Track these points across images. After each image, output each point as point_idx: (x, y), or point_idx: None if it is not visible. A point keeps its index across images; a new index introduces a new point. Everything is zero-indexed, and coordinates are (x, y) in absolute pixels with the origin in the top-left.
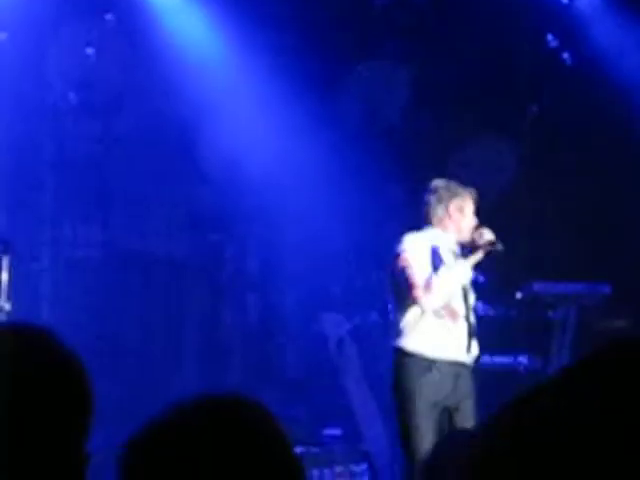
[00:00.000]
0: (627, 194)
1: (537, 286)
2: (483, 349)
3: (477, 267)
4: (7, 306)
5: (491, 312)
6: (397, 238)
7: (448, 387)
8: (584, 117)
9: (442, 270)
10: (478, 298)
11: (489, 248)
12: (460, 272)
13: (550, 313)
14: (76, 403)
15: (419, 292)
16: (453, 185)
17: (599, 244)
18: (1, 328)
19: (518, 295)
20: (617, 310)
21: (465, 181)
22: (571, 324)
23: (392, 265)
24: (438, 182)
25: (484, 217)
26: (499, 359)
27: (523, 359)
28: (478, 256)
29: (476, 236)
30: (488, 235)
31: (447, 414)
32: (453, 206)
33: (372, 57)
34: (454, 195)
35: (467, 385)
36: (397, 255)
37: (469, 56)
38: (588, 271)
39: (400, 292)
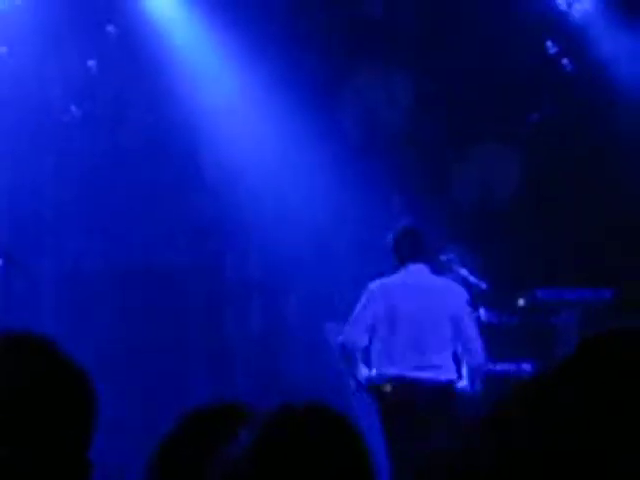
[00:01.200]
0: (629, 199)
1: (540, 292)
2: (487, 356)
3: (480, 275)
4: None
5: (494, 319)
6: None
7: None
8: (585, 123)
9: None
10: (481, 305)
11: None
12: None
13: (553, 319)
14: (78, 409)
15: None
16: None
17: (601, 250)
18: (2, 336)
19: (521, 302)
20: (620, 315)
21: (467, 189)
22: (574, 330)
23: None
24: None
25: (487, 225)
26: (502, 366)
27: (527, 366)
28: None
29: None
30: None
31: None
32: None
33: (371, 67)
34: None
35: None
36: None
37: (469, 64)
38: (590, 277)
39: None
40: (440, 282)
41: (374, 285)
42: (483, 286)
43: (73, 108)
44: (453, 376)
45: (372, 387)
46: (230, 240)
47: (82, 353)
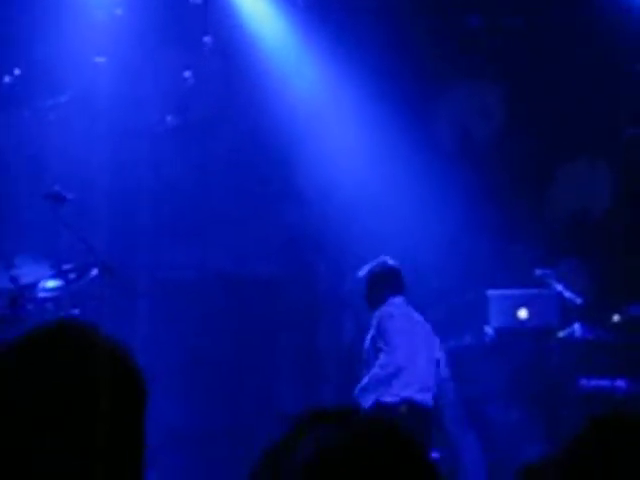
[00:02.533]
0: None
1: (634, 309)
2: (581, 372)
3: (575, 290)
4: None
5: (589, 334)
6: (491, 261)
7: None
8: None
9: None
10: (576, 320)
11: None
12: None
13: None
14: (129, 394)
15: None
16: None
17: None
18: (48, 326)
19: (616, 317)
20: None
21: (561, 204)
22: None
23: None
24: None
25: (582, 241)
26: (596, 382)
27: (621, 383)
28: None
29: None
30: None
31: None
32: None
33: (465, 79)
34: None
35: None
36: None
37: (562, 78)
38: None
39: None
40: (420, 316)
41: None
42: (578, 301)
43: (169, 118)
44: None
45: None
46: (323, 251)
47: (175, 360)
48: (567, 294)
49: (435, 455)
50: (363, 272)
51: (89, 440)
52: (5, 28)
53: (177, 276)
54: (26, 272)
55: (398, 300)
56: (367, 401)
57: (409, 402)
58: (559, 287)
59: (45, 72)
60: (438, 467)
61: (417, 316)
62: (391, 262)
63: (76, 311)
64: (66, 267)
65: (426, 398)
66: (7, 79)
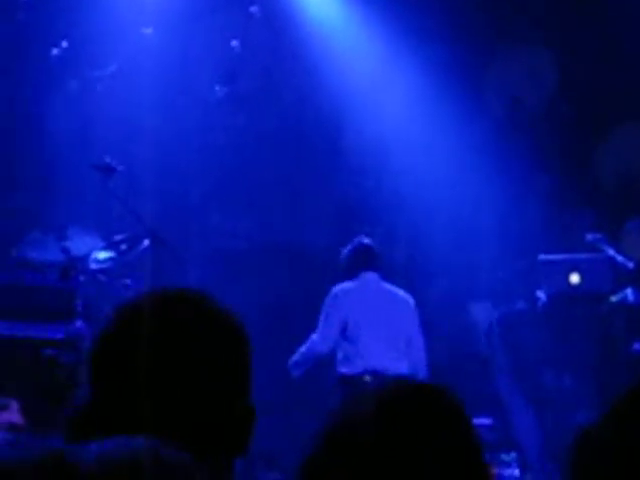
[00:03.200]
0: None
1: None
2: (635, 336)
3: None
4: None
5: None
6: (541, 227)
7: None
8: None
9: None
10: (628, 285)
11: None
12: None
13: None
14: (240, 357)
15: None
16: None
17: None
18: (162, 294)
19: None
20: None
21: (610, 170)
22: None
23: None
24: None
25: (632, 203)
26: None
27: None
28: None
29: None
30: None
31: None
32: None
33: (515, 45)
34: None
35: None
36: None
37: (613, 44)
38: None
39: None
40: (393, 289)
41: (337, 290)
42: (630, 265)
43: (217, 88)
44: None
45: (350, 380)
46: (374, 221)
47: None
48: (619, 258)
49: (487, 421)
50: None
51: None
52: (52, 1)
53: (228, 246)
54: (77, 244)
55: (370, 276)
56: (297, 373)
57: (372, 372)
58: (611, 251)
59: (92, 44)
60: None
61: (388, 293)
62: (366, 241)
63: (128, 282)
64: (117, 238)
65: (388, 367)
66: (55, 51)
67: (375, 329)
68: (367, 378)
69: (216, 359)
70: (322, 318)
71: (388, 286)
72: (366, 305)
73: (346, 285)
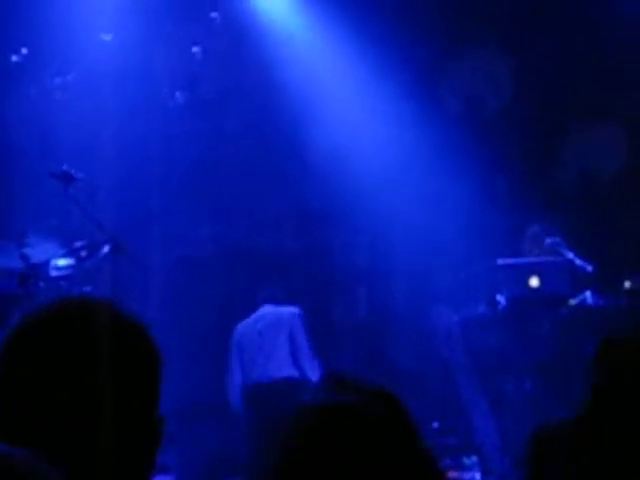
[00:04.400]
0: None
1: None
2: (594, 340)
3: (585, 257)
4: None
5: (600, 302)
6: (503, 228)
7: None
8: None
9: None
10: (587, 288)
11: None
12: None
13: None
14: (146, 368)
15: None
16: None
17: None
18: (66, 302)
19: (627, 284)
20: None
21: (570, 170)
22: None
23: None
24: None
25: (594, 205)
26: None
27: None
28: None
29: None
30: None
31: None
32: None
33: (472, 46)
34: None
35: None
36: None
37: (571, 42)
38: None
39: None
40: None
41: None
42: (589, 269)
43: (178, 94)
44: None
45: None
46: (337, 225)
47: (189, 337)
48: (578, 262)
49: (448, 425)
50: None
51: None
52: (12, 7)
53: (190, 252)
54: (37, 251)
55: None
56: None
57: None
58: (570, 255)
59: (52, 51)
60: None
61: (268, 313)
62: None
63: (88, 289)
64: (77, 245)
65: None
66: (15, 58)
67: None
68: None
69: (120, 375)
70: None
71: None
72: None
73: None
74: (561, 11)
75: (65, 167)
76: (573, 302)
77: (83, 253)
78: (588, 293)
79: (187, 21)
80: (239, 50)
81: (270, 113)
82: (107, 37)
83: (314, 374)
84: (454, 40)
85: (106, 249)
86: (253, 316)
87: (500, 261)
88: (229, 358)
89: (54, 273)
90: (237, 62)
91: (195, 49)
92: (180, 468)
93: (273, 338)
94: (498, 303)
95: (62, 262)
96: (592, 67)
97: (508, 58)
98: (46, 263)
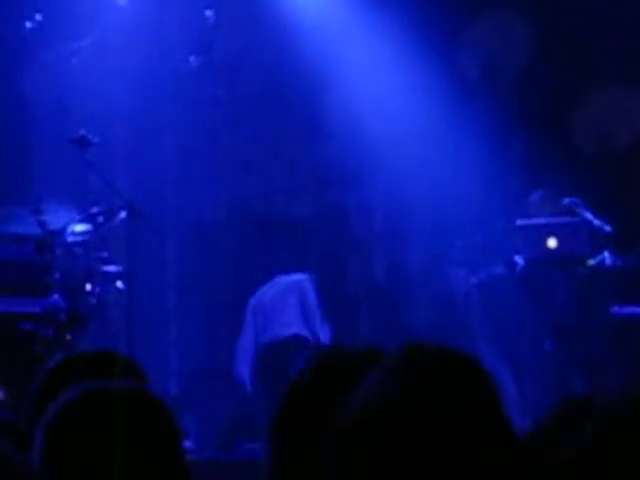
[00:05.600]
0: None
1: None
2: (612, 299)
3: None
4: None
5: (618, 262)
6: (520, 189)
7: None
8: None
9: None
10: (605, 248)
11: None
12: None
13: None
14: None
15: None
16: None
17: None
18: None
19: None
20: None
21: (591, 131)
22: None
23: None
24: None
25: (612, 168)
26: (628, 309)
27: None
28: None
29: None
30: None
31: None
32: None
33: (491, 11)
34: None
35: None
36: None
37: (590, 6)
38: None
39: None
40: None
41: None
42: (607, 229)
43: (192, 58)
44: None
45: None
46: (352, 190)
47: (205, 302)
48: (596, 222)
49: None
50: None
51: None
52: None
53: (206, 217)
54: (54, 217)
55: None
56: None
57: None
58: (588, 215)
59: (66, 16)
60: None
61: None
62: None
63: (105, 254)
64: (94, 211)
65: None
66: (28, 24)
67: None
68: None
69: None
70: None
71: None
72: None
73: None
74: None
75: (82, 132)
76: (591, 262)
77: (100, 219)
78: (606, 253)
79: None
80: (252, 12)
81: (284, 76)
82: (122, 1)
83: (325, 337)
84: (472, 4)
85: (123, 214)
86: (266, 286)
87: (518, 222)
88: (242, 328)
89: (71, 239)
90: (251, 26)
91: (208, 12)
92: (198, 433)
93: (283, 301)
94: (516, 264)
95: (79, 228)
96: (610, 30)
97: (526, 22)
98: (63, 229)
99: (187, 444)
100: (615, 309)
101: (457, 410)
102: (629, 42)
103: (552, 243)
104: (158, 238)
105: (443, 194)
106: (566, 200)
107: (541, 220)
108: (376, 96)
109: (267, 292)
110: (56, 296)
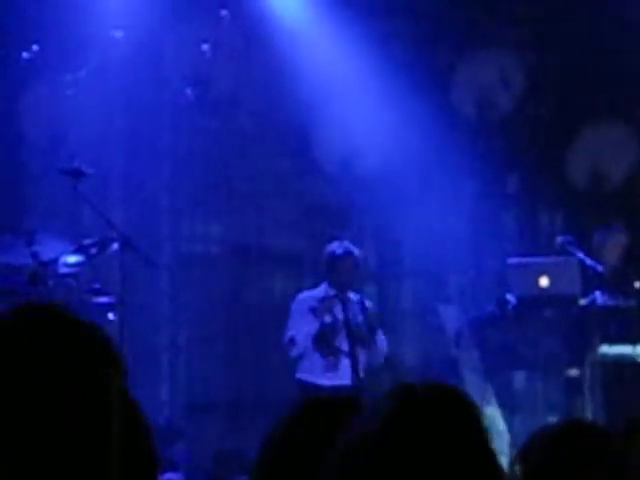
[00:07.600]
0: None
1: None
2: (603, 339)
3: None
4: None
5: (610, 302)
6: (513, 228)
7: None
8: None
9: None
10: (597, 288)
11: None
12: None
13: None
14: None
15: None
16: None
17: None
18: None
19: (637, 284)
20: None
21: (581, 169)
22: None
23: None
24: None
25: (605, 205)
26: (619, 349)
27: None
28: None
29: None
30: None
31: None
32: None
33: (485, 47)
34: None
35: None
36: None
37: (583, 43)
38: None
39: None
40: None
41: None
42: (599, 269)
43: (188, 91)
44: None
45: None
46: (345, 224)
47: (197, 334)
48: (588, 261)
49: None
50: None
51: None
52: (22, 4)
53: (198, 249)
54: (47, 248)
55: None
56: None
57: None
58: (580, 254)
59: (63, 47)
60: None
61: None
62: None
63: (97, 286)
64: (87, 242)
65: None
66: (25, 55)
67: None
68: None
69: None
70: None
71: None
72: None
73: None
74: (576, 11)
75: (76, 163)
76: (583, 302)
77: (93, 250)
78: (598, 293)
79: (196, 18)
80: (249, 47)
81: (278, 111)
82: (118, 34)
83: None
84: (466, 39)
85: (115, 246)
86: None
87: (510, 260)
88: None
89: (64, 270)
90: (247, 60)
91: (205, 47)
92: (188, 465)
93: None
94: (508, 302)
95: (72, 259)
96: (604, 68)
97: (521, 57)
98: (56, 260)
99: (177, 476)
100: (604, 348)
101: (445, 453)
102: (623, 80)
103: (544, 282)
104: (151, 270)
105: (435, 231)
106: (559, 239)
107: (533, 259)
108: (370, 133)
109: None
110: None
